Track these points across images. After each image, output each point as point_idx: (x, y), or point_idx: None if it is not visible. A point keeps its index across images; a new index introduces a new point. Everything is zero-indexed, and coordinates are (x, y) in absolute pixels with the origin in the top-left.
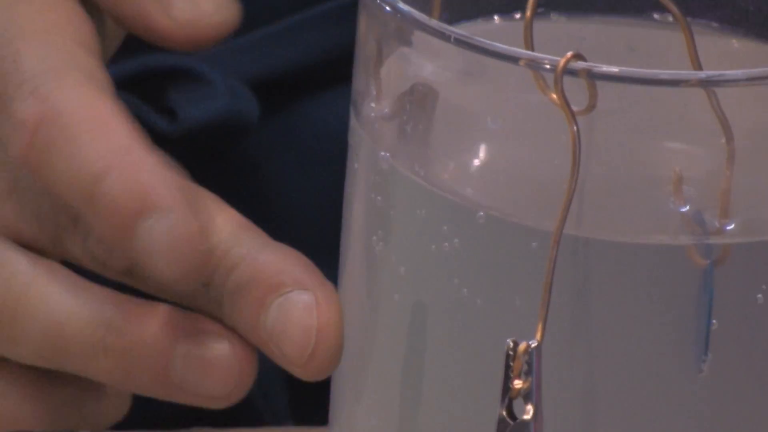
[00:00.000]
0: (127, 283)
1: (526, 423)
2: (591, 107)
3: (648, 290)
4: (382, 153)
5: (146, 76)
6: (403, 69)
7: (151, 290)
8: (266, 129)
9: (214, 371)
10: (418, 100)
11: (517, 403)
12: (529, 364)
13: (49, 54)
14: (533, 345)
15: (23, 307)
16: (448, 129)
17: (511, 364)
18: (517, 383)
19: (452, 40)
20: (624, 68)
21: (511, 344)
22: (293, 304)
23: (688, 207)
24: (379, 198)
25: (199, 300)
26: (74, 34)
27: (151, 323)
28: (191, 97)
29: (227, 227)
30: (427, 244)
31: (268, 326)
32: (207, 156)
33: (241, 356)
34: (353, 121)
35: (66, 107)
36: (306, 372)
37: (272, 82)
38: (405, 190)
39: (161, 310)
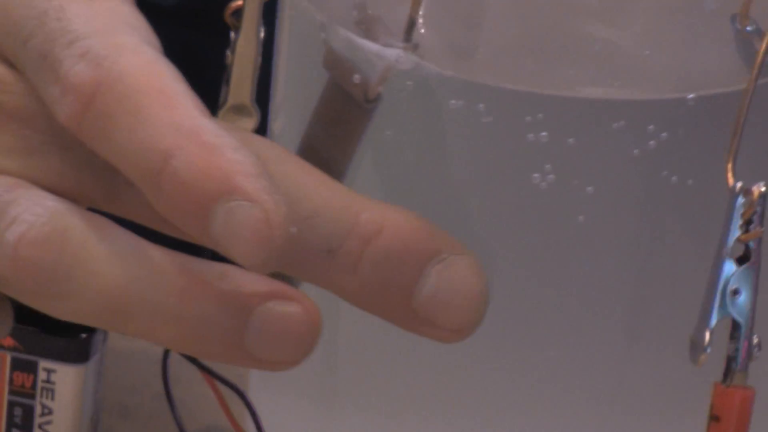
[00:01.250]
0: (203, 245)
1: (749, 268)
2: None
3: None
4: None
5: None
6: None
7: None
8: None
9: (289, 337)
10: None
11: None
12: (757, 208)
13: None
14: (764, 189)
15: (80, 265)
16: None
17: (740, 208)
18: (753, 228)
19: None
20: None
21: (739, 188)
22: (456, 270)
23: (753, 27)
24: (543, 133)
25: (317, 266)
26: None
27: (228, 290)
28: None
29: (339, 191)
30: (624, 152)
31: (424, 295)
32: (203, 28)
33: (312, 318)
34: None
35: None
36: (458, 337)
37: None
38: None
39: (237, 274)
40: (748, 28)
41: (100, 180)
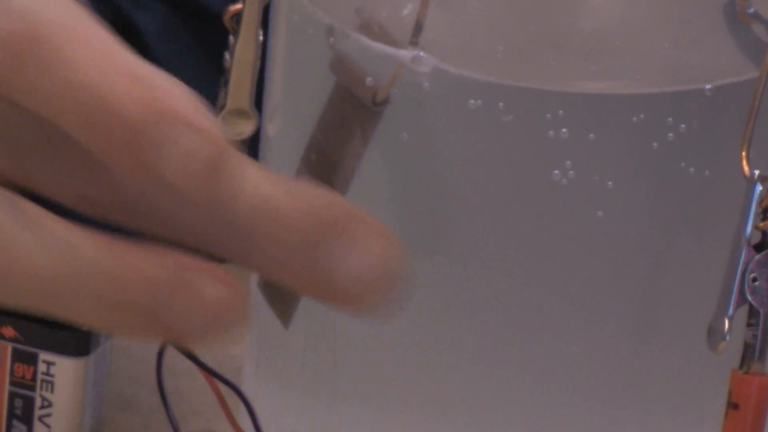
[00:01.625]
0: (115, 220)
1: None
2: None
3: None
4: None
5: None
6: None
7: (156, 228)
8: None
9: (210, 314)
10: None
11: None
12: None
13: None
14: None
15: (5, 250)
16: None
17: (758, 196)
18: None
19: None
20: None
21: (757, 175)
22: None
23: (753, 10)
24: (563, 130)
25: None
26: None
27: (151, 266)
28: None
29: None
30: (644, 146)
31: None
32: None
33: (233, 295)
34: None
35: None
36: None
37: None
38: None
39: (160, 251)
40: (749, 10)
41: (10, 155)
